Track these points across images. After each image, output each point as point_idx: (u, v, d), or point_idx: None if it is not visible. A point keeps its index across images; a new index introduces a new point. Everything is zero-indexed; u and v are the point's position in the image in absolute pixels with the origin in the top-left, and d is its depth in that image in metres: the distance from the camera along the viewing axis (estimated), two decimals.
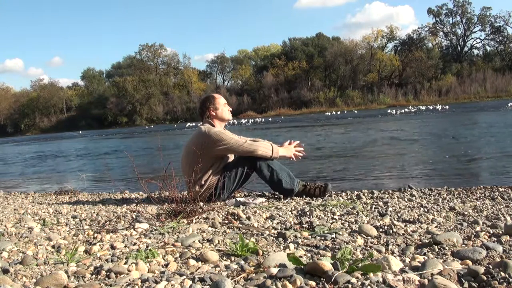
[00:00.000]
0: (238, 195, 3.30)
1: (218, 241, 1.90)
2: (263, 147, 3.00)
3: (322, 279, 1.24)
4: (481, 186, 3.39)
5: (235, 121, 34.18)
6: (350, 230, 2.01)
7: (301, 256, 1.59)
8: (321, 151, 8.12)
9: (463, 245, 1.70)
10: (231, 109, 3.29)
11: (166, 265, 1.57)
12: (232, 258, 1.63)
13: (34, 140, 31.39)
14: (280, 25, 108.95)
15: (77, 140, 24.71)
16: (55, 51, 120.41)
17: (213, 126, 3.13)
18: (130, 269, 1.49)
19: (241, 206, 2.80)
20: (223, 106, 3.20)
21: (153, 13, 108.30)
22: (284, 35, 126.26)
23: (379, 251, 1.65)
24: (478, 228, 1.96)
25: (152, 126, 44.13)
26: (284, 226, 2.15)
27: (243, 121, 33.49)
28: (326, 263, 1.28)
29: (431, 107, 29.47)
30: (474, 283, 1.21)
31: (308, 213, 2.42)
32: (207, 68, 67.47)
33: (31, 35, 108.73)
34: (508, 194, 2.93)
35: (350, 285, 1.18)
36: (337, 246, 1.72)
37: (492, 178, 4.12)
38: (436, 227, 2.04)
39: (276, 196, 3.15)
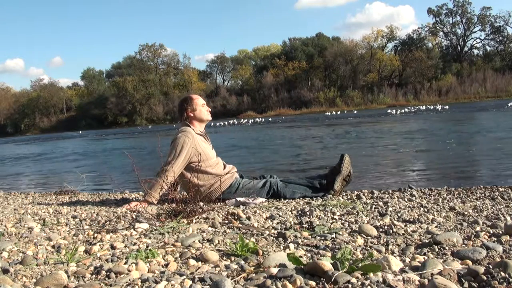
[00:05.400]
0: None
1: (218, 241, 1.90)
2: (154, 189, 2.94)
3: (322, 279, 1.24)
4: (481, 186, 3.39)
5: (235, 121, 34.17)
6: (350, 230, 2.01)
7: (301, 256, 1.59)
8: (321, 151, 8.12)
9: (463, 245, 1.69)
10: (210, 109, 3.25)
11: (166, 265, 1.57)
12: (232, 258, 1.63)
13: (35, 140, 31.37)
14: (280, 25, 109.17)
15: (77, 140, 24.70)
16: (55, 51, 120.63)
17: (191, 127, 3.12)
18: (130, 269, 1.49)
19: (241, 206, 2.80)
20: (201, 107, 3.16)
21: (153, 13, 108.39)
22: (284, 35, 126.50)
23: (379, 251, 1.65)
24: (478, 228, 1.96)
25: (150, 126, 44.11)
26: (284, 226, 2.15)
27: (243, 121, 33.48)
28: (326, 263, 1.28)
29: (431, 107, 29.48)
30: (474, 283, 1.21)
31: (308, 213, 2.42)
32: (207, 68, 67.63)
33: (32, 35, 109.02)
34: (508, 194, 2.93)
35: (350, 285, 1.18)
36: (337, 246, 1.72)
37: (492, 178, 4.12)
38: (436, 227, 2.03)
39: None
